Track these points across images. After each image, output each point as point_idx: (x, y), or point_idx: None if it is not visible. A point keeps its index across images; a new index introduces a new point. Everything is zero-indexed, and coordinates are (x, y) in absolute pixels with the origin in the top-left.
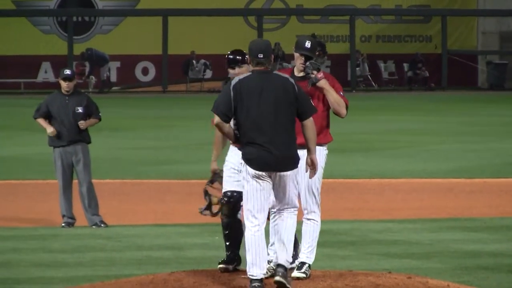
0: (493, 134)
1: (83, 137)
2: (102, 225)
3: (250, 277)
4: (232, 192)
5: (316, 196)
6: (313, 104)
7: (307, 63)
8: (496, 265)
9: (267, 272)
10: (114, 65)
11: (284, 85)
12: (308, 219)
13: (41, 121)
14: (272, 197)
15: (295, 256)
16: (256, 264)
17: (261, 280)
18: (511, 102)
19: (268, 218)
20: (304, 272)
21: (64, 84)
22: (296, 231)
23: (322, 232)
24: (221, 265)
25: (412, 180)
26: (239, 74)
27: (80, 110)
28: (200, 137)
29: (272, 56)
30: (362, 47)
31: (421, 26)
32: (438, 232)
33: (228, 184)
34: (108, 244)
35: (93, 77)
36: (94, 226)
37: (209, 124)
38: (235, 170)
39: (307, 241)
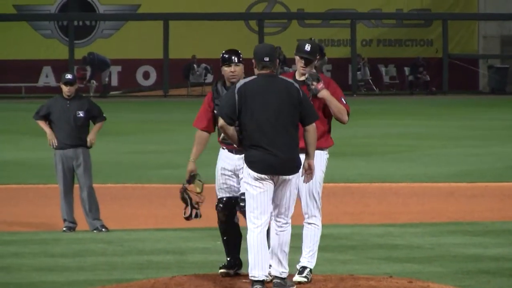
0: (495, 138)
1: (84, 141)
2: (103, 229)
3: (252, 278)
4: (227, 198)
5: (317, 201)
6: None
7: (307, 74)
8: (497, 269)
9: (268, 275)
10: (115, 69)
11: (289, 89)
12: (309, 223)
13: (42, 124)
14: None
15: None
16: (258, 266)
17: (262, 282)
18: None
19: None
20: (305, 277)
21: (65, 89)
22: (297, 234)
23: (323, 237)
24: (222, 270)
25: (413, 184)
26: (234, 72)
27: (81, 114)
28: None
29: (277, 60)
30: (363, 51)
31: (422, 30)
32: (439, 236)
33: (222, 191)
34: (109, 248)
35: (94, 82)
36: (95, 231)
37: None
38: (228, 176)
39: (308, 246)
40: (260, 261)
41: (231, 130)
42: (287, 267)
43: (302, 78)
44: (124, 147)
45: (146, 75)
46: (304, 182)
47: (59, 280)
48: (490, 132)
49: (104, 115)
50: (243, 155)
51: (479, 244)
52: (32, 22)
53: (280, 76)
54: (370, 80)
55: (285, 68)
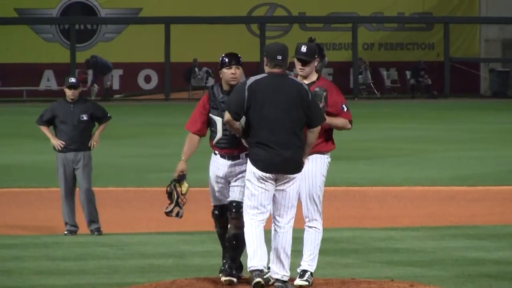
0: (496, 141)
1: (86, 144)
2: (96, 232)
3: (251, 268)
4: (222, 206)
5: (318, 204)
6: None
7: (313, 91)
8: (499, 273)
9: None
10: (116, 73)
11: (298, 89)
12: (310, 227)
13: (44, 129)
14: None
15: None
16: (256, 256)
17: (261, 271)
18: None
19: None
20: (306, 280)
21: (69, 92)
22: (297, 238)
23: (324, 240)
24: (226, 278)
25: (415, 188)
26: (235, 74)
27: (85, 117)
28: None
29: (288, 60)
30: (365, 55)
31: (423, 33)
32: (441, 240)
33: (217, 199)
34: (110, 252)
35: (95, 85)
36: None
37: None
38: (222, 184)
39: (309, 249)
40: (259, 252)
41: (237, 124)
42: (288, 270)
43: (305, 81)
44: (125, 151)
45: (147, 79)
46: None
47: (60, 283)
48: (491, 136)
49: (108, 114)
50: (236, 161)
51: (481, 248)
52: (34, 25)
53: (291, 77)
54: (371, 84)
55: (287, 71)
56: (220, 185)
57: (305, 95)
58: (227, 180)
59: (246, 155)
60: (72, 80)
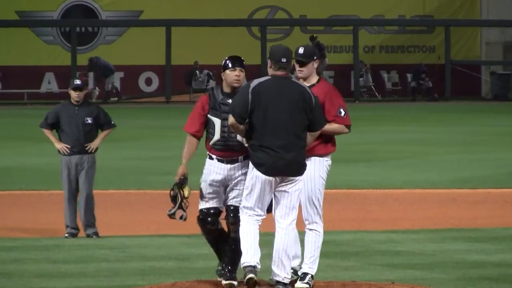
0: (497, 144)
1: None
2: (93, 236)
3: (244, 264)
4: (215, 208)
5: (317, 207)
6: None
7: None
8: (500, 275)
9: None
10: (117, 76)
11: (302, 92)
12: (310, 230)
13: (48, 133)
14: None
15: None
16: (249, 252)
17: (254, 267)
18: None
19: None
20: (307, 283)
21: (74, 94)
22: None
23: (325, 243)
24: (227, 282)
25: (415, 191)
26: (239, 76)
27: (89, 120)
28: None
29: (292, 63)
30: (366, 58)
31: (424, 36)
32: (441, 243)
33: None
34: (111, 254)
35: (96, 88)
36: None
37: None
38: (217, 187)
39: (310, 252)
40: (252, 248)
41: (241, 127)
42: (290, 272)
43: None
44: (126, 153)
45: (148, 81)
46: None
47: (61, 286)
48: (492, 138)
49: (113, 122)
50: (235, 164)
51: (481, 251)
52: (35, 28)
53: (294, 80)
54: (372, 87)
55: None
56: (214, 189)
57: (308, 99)
58: (224, 185)
59: (244, 158)
60: (78, 82)
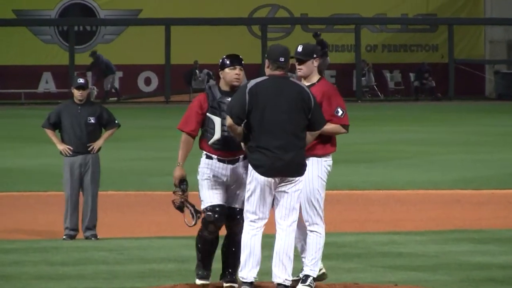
0: (501, 144)
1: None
2: (92, 238)
3: (241, 279)
4: (221, 206)
5: (317, 208)
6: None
7: None
8: (504, 277)
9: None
10: (116, 75)
11: (300, 92)
12: (311, 231)
13: (50, 133)
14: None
15: None
16: (247, 267)
17: (251, 283)
18: None
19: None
20: (309, 285)
21: (77, 93)
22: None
23: (326, 244)
24: (227, 284)
25: (418, 191)
26: (239, 75)
27: (92, 120)
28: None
29: (290, 62)
30: (368, 57)
31: (427, 35)
32: (444, 244)
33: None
34: (110, 256)
35: (94, 87)
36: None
37: None
38: (220, 187)
39: (311, 253)
40: (251, 262)
41: (239, 129)
42: (291, 274)
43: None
44: (126, 154)
45: (147, 81)
46: None
47: None
48: (495, 138)
49: (116, 121)
50: (236, 164)
51: (486, 252)
52: (32, 27)
53: (292, 79)
54: (375, 86)
55: (289, 73)
56: (217, 187)
57: (307, 98)
58: (225, 185)
59: (244, 157)
60: (81, 80)
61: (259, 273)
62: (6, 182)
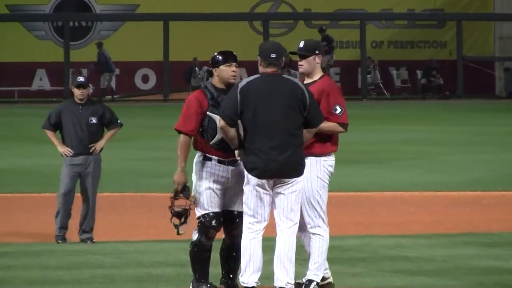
0: (509, 144)
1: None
2: (88, 241)
3: (242, 284)
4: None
5: (318, 210)
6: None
7: None
8: None
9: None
10: (113, 74)
11: (293, 89)
12: (314, 234)
13: (50, 135)
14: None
15: None
16: (248, 271)
17: (252, 287)
18: None
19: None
20: None
21: (77, 92)
22: (301, 246)
23: (331, 248)
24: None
25: (425, 193)
26: (236, 72)
27: (94, 120)
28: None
29: (283, 59)
30: (373, 53)
31: (435, 31)
32: (453, 248)
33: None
34: (106, 260)
35: (90, 85)
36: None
37: None
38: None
39: (314, 258)
40: (252, 267)
41: (232, 132)
42: (293, 278)
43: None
44: (123, 154)
45: (145, 79)
46: None
47: None
48: (506, 138)
49: (119, 121)
50: (235, 166)
51: (495, 256)
52: (26, 22)
53: (285, 76)
54: (380, 84)
55: (292, 71)
56: (216, 192)
57: (301, 95)
58: (224, 188)
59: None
60: (81, 78)
61: (260, 278)
62: None
